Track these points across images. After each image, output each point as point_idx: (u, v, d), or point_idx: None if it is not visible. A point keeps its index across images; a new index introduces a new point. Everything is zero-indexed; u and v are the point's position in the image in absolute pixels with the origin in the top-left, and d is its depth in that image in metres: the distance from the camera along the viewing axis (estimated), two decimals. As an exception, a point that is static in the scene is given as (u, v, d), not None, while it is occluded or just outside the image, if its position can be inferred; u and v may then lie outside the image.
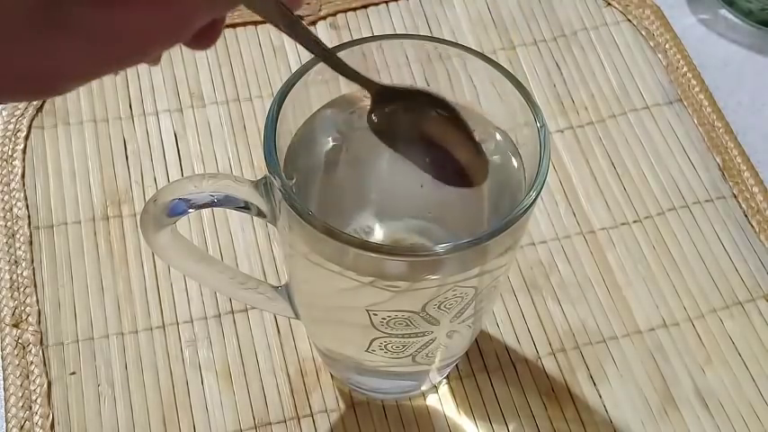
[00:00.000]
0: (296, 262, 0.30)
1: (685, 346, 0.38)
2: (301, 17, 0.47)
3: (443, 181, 0.30)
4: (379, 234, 0.32)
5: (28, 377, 0.36)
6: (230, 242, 0.40)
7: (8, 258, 0.39)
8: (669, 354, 0.38)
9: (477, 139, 0.29)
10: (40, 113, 0.43)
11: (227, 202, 0.28)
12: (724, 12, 0.50)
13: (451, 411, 0.36)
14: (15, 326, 0.37)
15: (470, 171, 0.30)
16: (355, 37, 0.46)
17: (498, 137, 0.30)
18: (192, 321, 0.38)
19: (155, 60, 0.22)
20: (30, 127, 0.42)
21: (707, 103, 0.45)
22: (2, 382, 0.36)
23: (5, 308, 0.37)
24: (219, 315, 0.38)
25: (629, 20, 0.48)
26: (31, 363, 0.36)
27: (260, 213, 0.28)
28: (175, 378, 0.36)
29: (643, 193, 0.42)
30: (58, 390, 0.36)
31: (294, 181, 0.29)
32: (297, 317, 0.34)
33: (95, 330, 0.37)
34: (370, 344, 0.30)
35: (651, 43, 0.47)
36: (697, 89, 0.45)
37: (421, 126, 0.30)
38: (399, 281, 0.27)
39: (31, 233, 0.39)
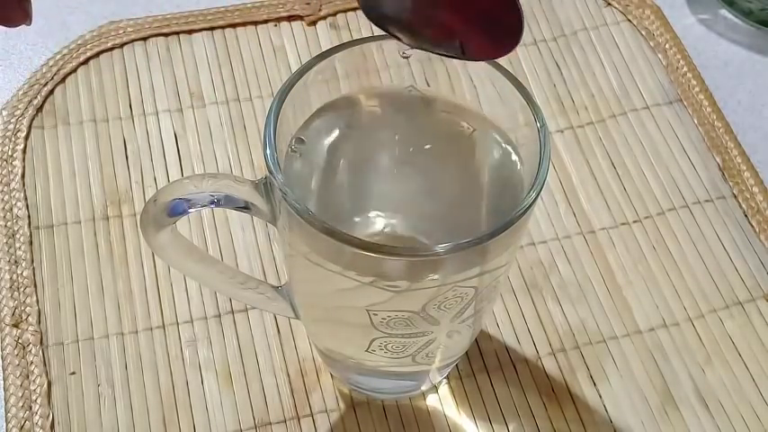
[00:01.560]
0: (296, 262, 0.30)
1: (685, 346, 0.38)
2: (301, 17, 0.47)
3: (467, 53, 0.24)
4: (378, 234, 0.32)
5: (28, 377, 0.36)
6: (230, 242, 0.40)
7: (8, 258, 0.39)
8: (669, 354, 0.38)
9: None
10: (40, 113, 0.43)
11: (227, 202, 0.28)
12: (724, 12, 0.50)
13: (451, 411, 0.36)
14: (15, 326, 0.37)
15: (502, 25, 0.24)
16: (355, 37, 0.46)
17: (498, 137, 0.30)
18: (192, 321, 0.38)
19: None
20: (30, 127, 0.42)
21: (707, 103, 0.45)
22: (2, 382, 0.36)
23: (5, 308, 0.37)
24: (219, 315, 0.38)
25: (629, 20, 0.48)
26: (31, 363, 0.36)
27: (260, 213, 0.28)
28: (175, 378, 0.36)
29: (643, 193, 0.42)
30: (58, 390, 0.36)
31: (294, 180, 0.29)
32: (297, 317, 0.34)
33: (95, 330, 0.37)
34: (370, 344, 0.30)
35: (651, 43, 0.47)
36: (697, 89, 0.45)
37: None
38: (399, 281, 0.27)
39: (31, 233, 0.39)
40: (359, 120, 0.31)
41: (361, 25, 0.47)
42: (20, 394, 0.36)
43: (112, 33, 0.46)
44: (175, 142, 0.43)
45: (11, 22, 0.23)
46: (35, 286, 0.38)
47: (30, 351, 0.37)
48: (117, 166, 0.42)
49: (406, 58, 0.28)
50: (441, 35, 0.25)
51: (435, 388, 0.37)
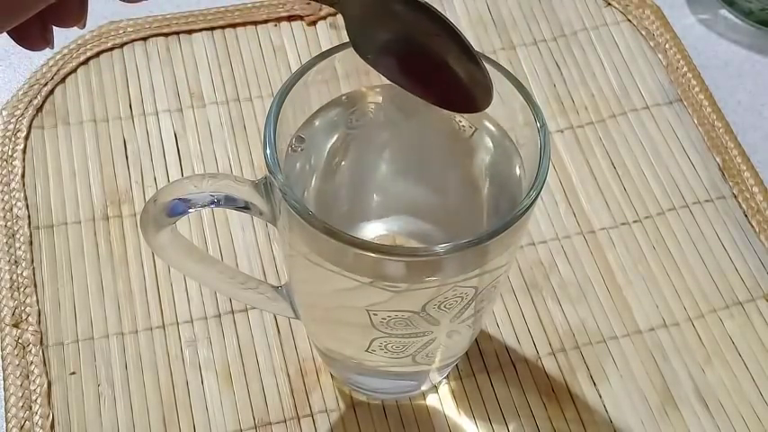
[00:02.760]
0: (296, 262, 0.30)
1: (685, 346, 0.38)
2: (301, 17, 0.47)
3: (444, 105, 0.28)
4: (378, 234, 0.32)
5: (28, 377, 0.36)
6: (230, 242, 0.40)
7: (8, 258, 0.39)
8: (669, 354, 0.38)
9: (477, 57, 0.27)
10: (39, 113, 0.43)
11: (227, 202, 0.28)
12: (724, 12, 0.50)
13: (451, 411, 0.36)
14: (15, 326, 0.37)
15: (472, 92, 0.27)
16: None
17: (498, 137, 0.30)
18: (192, 321, 0.38)
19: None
20: (30, 127, 0.43)
21: (707, 103, 0.45)
22: (2, 382, 0.36)
23: (5, 308, 0.37)
24: (219, 315, 0.38)
25: (629, 20, 0.48)
26: (31, 363, 0.36)
27: (260, 213, 0.28)
28: (175, 378, 0.36)
29: (643, 193, 0.42)
30: (58, 390, 0.36)
31: (294, 180, 0.29)
32: (297, 317, 0.34)
33: (95, 330, 0.37)
34: (370, 344, 0.30)
35: (651, 43, 0.47)
36: (697, 89, 0.45)
37: (410, 43, 0.27)
38: (399, 281, 0.27)
39: (31, 233, 0.39)
40: (359, 120, 0.31)
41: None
42: (20, 394, 0.36)
43: (112, 33, 0.46)
44: (175, 142, 0.43)
45: (33, 46, 0.25)
46: (35, 286, 0.38)
47: (30, 351, 0.37)
48: (117, 166, 0.42)
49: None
50: (419, 85, 0.28)
51: (435, 388, 0.37)
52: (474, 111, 0.28)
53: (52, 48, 0.25)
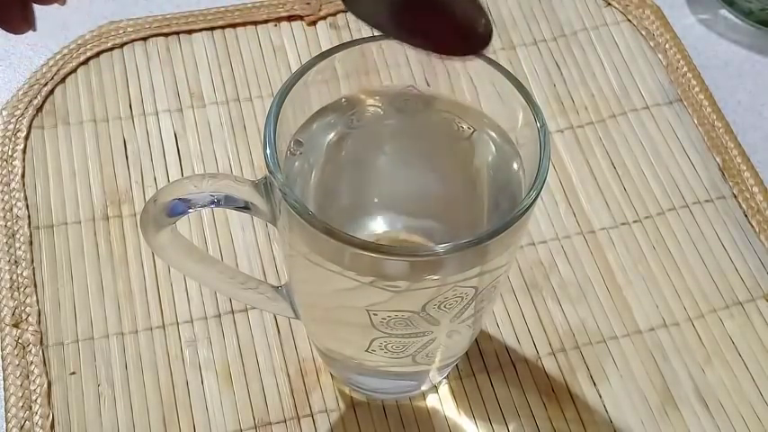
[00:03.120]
0: (296, 262, 0.30)
1: (685, 346, 0.38)
2: (301, 17, 0.47)
3: (442, 51, 0.27)
4: (378, 234, 0.32)
5: (28, 377, 0.36)
6: (230, 242, 0.40)
7: (8, 258, 0.39)
8: (669, 354, 0.38)
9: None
10: (39, 113, 0.43)
11: (227, 202, 0.28)
12: (724, 12, 0.50)
13: (451, 411, 0.36)
14: (15, 326, 0.37)
15: (470, 32, 0.26)
16: (355, 37, 0.46)
17: (498, 137, 0.30)
18: (192, 321, 0.38)
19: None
20: (30, 127, 0.43)
21: (707, 103, 0.45)
22: (2, 382, 0.36)
23: (5, 308, 0.37)
24: (219, 315, 0.38)
25: (629, 20, 0.48)
26: (31, 363, 0.36)
27: (260, 213, 0.28)
28: (175, 378, 0.36)
29: (643, 193, 0.42)
30: (58, 390, 0.36)
31: (294, 180, 0.29)
32: (297, 317, 0.34)
33: (95, 330, 0.37)
34: (370, 344, 0.30)
35: (651, 43, 0.47)
36: (697, 89, 0.45)
37: None
38: (399, 281, 0.27)
39: (31, 233, 0.39)
40: (359, 120, 0.31)
41: (361, 25, 0.47)
42: (20, 394, 0.36)
43: (112, 33, 0.46)
44: (175, 142, 0.43)
45: (15, 29, 0.24)
46: (35, 286, 0.38)
47: (30, 351, 0.37)
48: (117, 166, 0.42)
49: None
50: (415, 33, 0.27)
51: (435, 388, 0.37)
52: (473, 52, 0.27)
53: (34, 30, 0.24)
